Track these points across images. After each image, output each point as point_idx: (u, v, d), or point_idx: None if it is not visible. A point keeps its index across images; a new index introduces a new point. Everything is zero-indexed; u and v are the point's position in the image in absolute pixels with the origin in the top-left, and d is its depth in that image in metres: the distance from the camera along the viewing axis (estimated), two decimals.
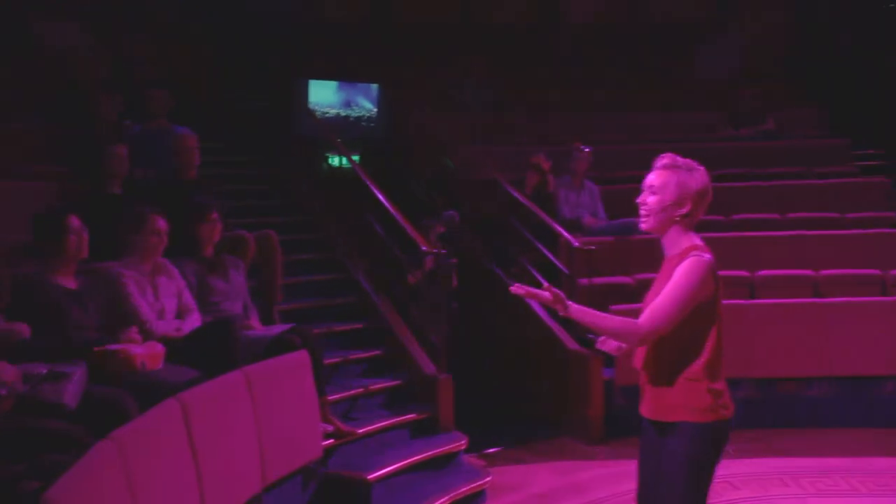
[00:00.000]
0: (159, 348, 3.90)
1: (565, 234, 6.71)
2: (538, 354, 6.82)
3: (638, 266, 7.02)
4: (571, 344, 6.46)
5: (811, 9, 11.92)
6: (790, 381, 6.52)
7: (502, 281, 7.21)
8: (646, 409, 2.91)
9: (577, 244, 6.50)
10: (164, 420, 3.35)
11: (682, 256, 2.82)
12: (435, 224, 6.64)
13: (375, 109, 9.49)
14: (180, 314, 4.44)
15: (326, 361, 5.08)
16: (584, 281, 6.40)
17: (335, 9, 11.19)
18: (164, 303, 4.37)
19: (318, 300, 6.35)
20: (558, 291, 2.74)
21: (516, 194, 7.23)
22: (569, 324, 6.61)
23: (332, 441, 4.78)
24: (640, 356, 2.91)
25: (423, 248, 5.81)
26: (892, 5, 10.51)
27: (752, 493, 5.18)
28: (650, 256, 7.11)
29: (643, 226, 2.94)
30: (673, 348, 2.79)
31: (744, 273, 6.94)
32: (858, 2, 10.91)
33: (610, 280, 6.82)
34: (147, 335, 4.07)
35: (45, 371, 3.26)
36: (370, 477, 4.70)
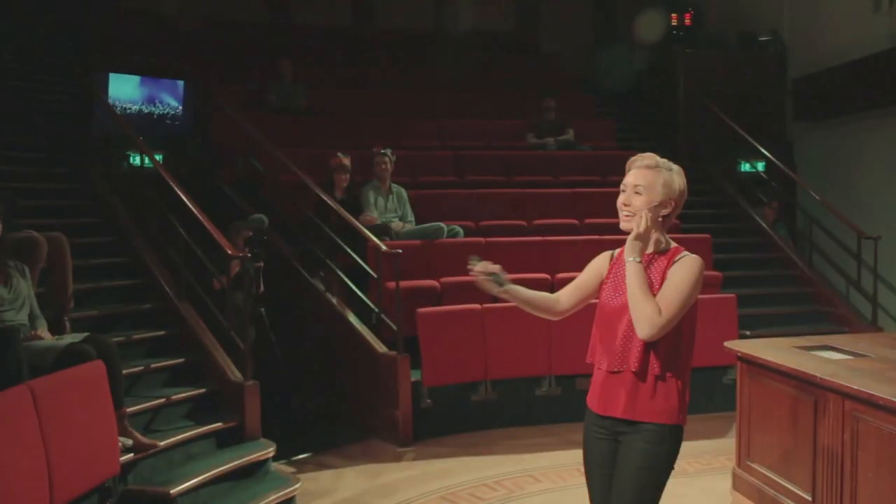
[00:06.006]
0: None
1: (373, 238, 6.77)
2: (347, 358, 6.83)
3: (443, 270, 7.20)
4: (380, 346, 6.52)
5: (609, 29, 12.76)
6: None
7: (311, 285, 7.18)
8: (612, 408, 2.79)
9: (384, 248, 6.57)
10: None
11: (671, 254, 2.79)
12: (242, 227, 6.49)
13: (181, 107, 9.13)
14: None
15: (125, 371, 4.87)
16: (392, 284, 6.48)
17: None
18: None
19: (117, 307, 6.06)
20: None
21: (326, 198, 7.21)
22: (378, 326, 6.69)
23: (131, 456, 4.57)
24: (608, 354, 2.80)
25: (229, 253, 5.68)
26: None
27: (553, 483, 5.46)
28: (455, 260, 7.34)
29: (624, 226, 2.82)
30: (665, 347, 2.73)
31: (545, 276, 7.28)
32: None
33: (417, 283, 6.95)
34: None
35: None
36: (173, 491, 4.54)
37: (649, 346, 2.72)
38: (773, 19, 11.16)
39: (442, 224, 7.50)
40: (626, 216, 2.80)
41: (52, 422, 3.76)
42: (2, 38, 8.71)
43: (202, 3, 11.11)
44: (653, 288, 2.74)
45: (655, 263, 2.79)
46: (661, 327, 2.66)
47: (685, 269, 2.73)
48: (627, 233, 2.80)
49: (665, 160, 2.84)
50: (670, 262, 2.77)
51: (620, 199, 2.82)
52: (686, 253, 2.79)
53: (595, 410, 2.87)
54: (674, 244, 2.84)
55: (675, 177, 2.80)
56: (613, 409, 2.79)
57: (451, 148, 9.54)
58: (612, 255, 2.94)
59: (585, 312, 3.01)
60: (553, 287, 7.24)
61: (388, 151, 7.81)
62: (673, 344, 2.74)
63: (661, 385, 2.73)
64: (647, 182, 2.77)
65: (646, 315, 2.67)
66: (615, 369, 2.78)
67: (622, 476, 2.76)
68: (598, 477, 2.87)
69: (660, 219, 2.79)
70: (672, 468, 2.79)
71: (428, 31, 12.15)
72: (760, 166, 10.15)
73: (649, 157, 2.82)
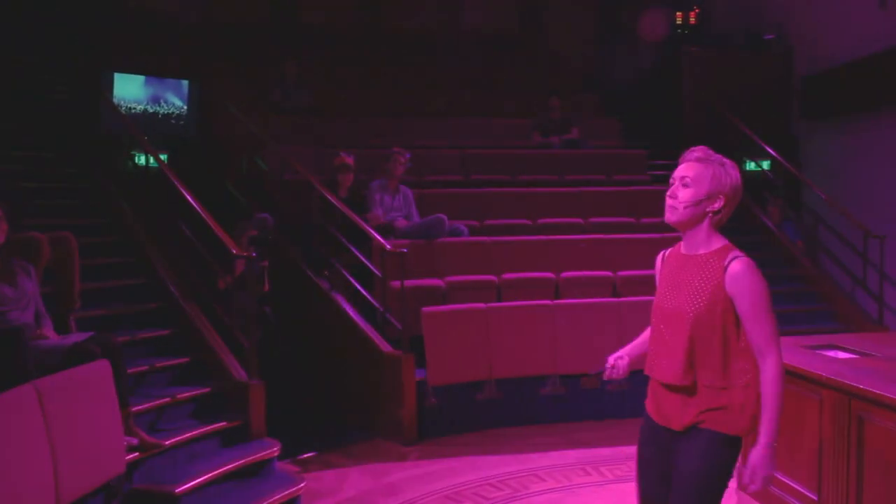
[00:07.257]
0: None
1: (378, 237, 6.77)
2: (352, 357, 6.84)
3: (448, 269, 7.19)
4: (384, 346, 6.52)
5: (614, 27, 12.75)
6: (592, 376, 6.88)
7: (315, 284, 7.18)
8: (665, 417, 2.74)
9: (389, 247, 6.57)
10: None
11: (719, 257, 2.68)
12: (247, 227, 6.50)
13: (186, 107, 9.15)
14: None
15: (131, 370, 4.89)
16: (396, 284, 6.47)
17: None
18: None
19: (122, 306, 6.06)
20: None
21: (330, 197, 7.21)
22: (382, 325, 6.69)
23: (136, 455, 4.59)
24: (671, 367, 2.71)
25: (233, 252, 5.69)
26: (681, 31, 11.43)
27: (557, 483, 5.45)
28: (459, 259, 7.36)
29: (668, 218, 2.71)
30: (708, 357, 2.66)
31: (550, 275, 7.28)
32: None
33: (421, 282, 6.94)
34: None
35: None
36: (178, 490, 4.55)
37: (691, 355, 2.65)
38: (780, 17, 11.12)
39: (442, 216, 7.47)
40: (670, 207, 2.70)
41: (58, 421, 3.76)
42: (6, 38, 8.72)
43: (207, 2, 11.13)
44: (704, 291, 2.66)
45: (707, 265, 2.69)
46: (778, 364, 2.59)
47: (745, 279, 2.63)
48: (672, 226, 2.73)
49: (719, 155, 2.72)
50: (722, 268, 2.65)
51: (668, 192, 2.72)
52: (737, 254, 2.68)
53: (652, 417, 2.82)
54: (724, 242, 2.73)
55: (727, 171, 2.68)
56: (667, 418, 2.73)
57: (457, 147, 9.54)
58: (662, 256, 2.88)
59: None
60: (557, 285, 7.25)
61: (409, 155, 7.83)
62: (718, 353, 2.65)
63: (713, 394, 2.65)
64: (695, 174, 2.67)
65: (775, 395, 2.60)
66: (670, 378, 2.71)
67: (677, 488, 2.69)
68: (649, 474, 2.81)
69: (709, 213, 2.68)
70: (727, 479, 2.71)
71: (433, 30, 12.15)
72: (766, 165, 10.13)
73: (700, 150, 2.71)
